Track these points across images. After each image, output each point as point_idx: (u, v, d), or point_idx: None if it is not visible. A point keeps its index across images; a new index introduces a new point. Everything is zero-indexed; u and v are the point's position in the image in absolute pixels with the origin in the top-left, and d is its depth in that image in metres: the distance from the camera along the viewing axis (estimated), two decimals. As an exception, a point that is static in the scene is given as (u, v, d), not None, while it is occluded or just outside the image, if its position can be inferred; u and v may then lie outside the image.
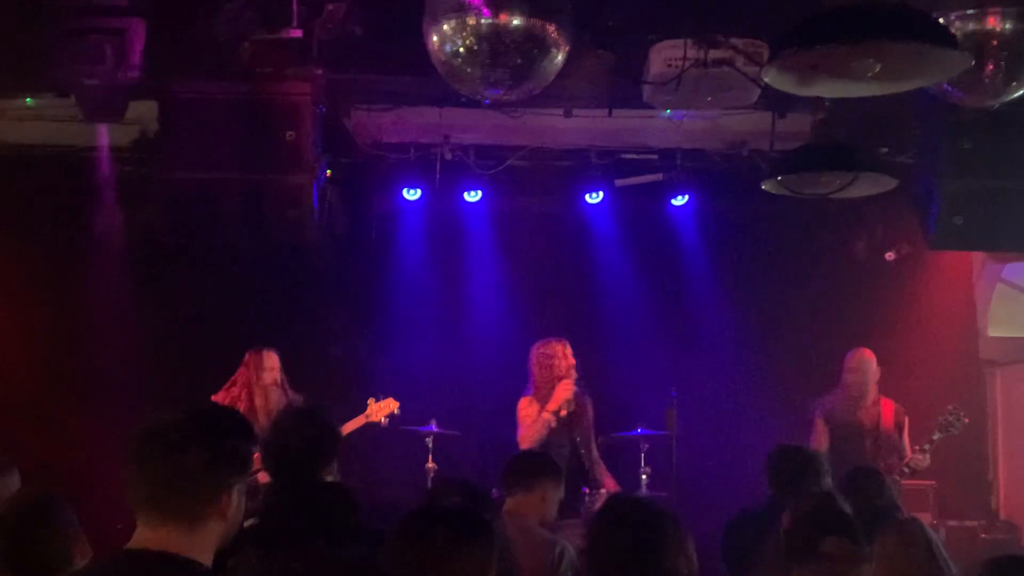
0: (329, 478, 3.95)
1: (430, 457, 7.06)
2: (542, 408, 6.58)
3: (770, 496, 4.77)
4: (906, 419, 6.90)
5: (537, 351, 6.73)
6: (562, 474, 4.72)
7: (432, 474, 7.03)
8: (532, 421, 6.58)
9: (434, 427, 7.08)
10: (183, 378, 7.27)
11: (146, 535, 2.26)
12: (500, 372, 7.30)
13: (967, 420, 6.76)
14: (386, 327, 7.98)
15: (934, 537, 3.93)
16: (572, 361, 6.69)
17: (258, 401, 6.59)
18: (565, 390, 6.59)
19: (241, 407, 6.42)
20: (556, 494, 4.61)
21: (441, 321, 8.04)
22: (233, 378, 6.76)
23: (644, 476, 7.15)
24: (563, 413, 6.58)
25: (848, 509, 4.08)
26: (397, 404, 6.76)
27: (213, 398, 6.50)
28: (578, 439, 6.63)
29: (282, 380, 6.73)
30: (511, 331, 7.38)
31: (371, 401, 6.76)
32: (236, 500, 2.31)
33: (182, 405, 2.38)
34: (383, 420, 6.76)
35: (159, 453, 2.27)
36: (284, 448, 3.90)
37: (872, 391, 6.91)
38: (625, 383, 8.05)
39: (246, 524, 3.56)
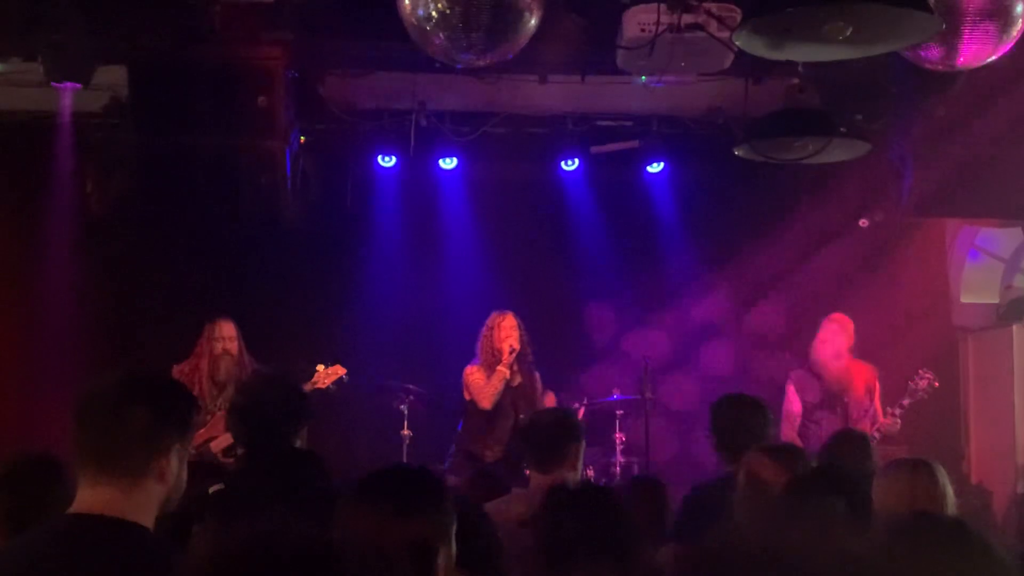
0: (298, 443, 3.95)
1: (405, 424, 7.07)
2: (490, 373, 6.70)
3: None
4: (877, 384, 6.94)
5: (483, 327, 6.84)
6: (582, 428, 4.31)
7: (407, 441, 7.04)
8: (486, 380, 6.70)
9: (411, 387, 7.09)
10: (149, 348, 7.25)
11: (86, 496, 2.30)
12: (475, 339, 7.30)
13: (937, 384, 6.80)
14: (361, 295, 7.95)
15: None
16: (514, 330, 6.74)
17: (206, 370, 6.45)
18: (503, 341, 6.69)
19: (192, 376, 6.37)
20: (582, 452, 4.22)
21: (416, 289, 8.02)
22: (193, 349, 6.61)
23: (619, 443, 7.19)
24: (510, 354, 6.66)
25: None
26: (344, 371, 6.54)
27: (175, 368, 6.42)
28: (520, 415, 6.61)
29: (239, 349, 6.56)
30: (486, 299, 7.37)
31: (319, 367, 6.53)
32: (175, 463, 2.36)
33: (125, 368, 2.43)
34: (330, 387, 6.50)
35: (101, 412, 2.32)
36: (253, 414, 3.89)
37: (845, 356, 6.94)
38: (600, 351, 8.08)
39: (211, 490, 3.56)
